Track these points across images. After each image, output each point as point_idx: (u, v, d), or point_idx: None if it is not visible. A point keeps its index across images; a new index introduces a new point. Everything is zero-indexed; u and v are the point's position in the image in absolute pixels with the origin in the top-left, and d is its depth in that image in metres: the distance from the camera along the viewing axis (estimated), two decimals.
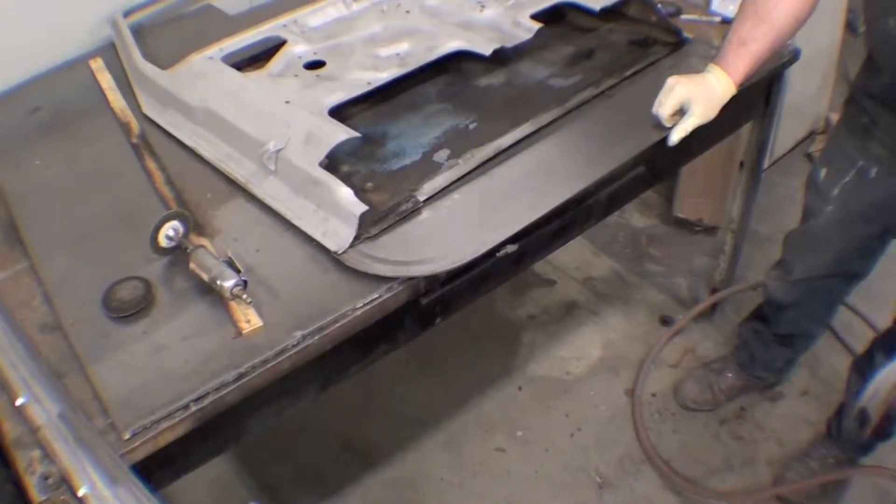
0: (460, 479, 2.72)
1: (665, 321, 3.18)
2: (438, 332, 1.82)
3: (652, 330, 3.16)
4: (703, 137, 2.22)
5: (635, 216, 3.62)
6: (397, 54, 2.11)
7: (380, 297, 1.61)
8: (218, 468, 2.67)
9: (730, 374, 2.84)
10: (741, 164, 2.69)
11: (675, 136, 1.93)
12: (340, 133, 1.78)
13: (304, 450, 2.78)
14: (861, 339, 2.77)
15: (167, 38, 2.40)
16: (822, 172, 2.22)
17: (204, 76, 2.06)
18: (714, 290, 3.10)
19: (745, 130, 2.55)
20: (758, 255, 3.11)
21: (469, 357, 3.05)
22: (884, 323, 2.54)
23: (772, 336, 2.66)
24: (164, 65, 2.17)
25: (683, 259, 3.42)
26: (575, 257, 3.43)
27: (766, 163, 3.03)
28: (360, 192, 1.71)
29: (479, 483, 2.71)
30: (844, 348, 2.96)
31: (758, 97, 2.38)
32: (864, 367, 2.38)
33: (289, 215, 1.76)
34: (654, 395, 2.93)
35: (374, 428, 2.85)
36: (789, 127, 3.51)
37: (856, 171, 2.12)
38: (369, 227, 1.69)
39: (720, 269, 3.02)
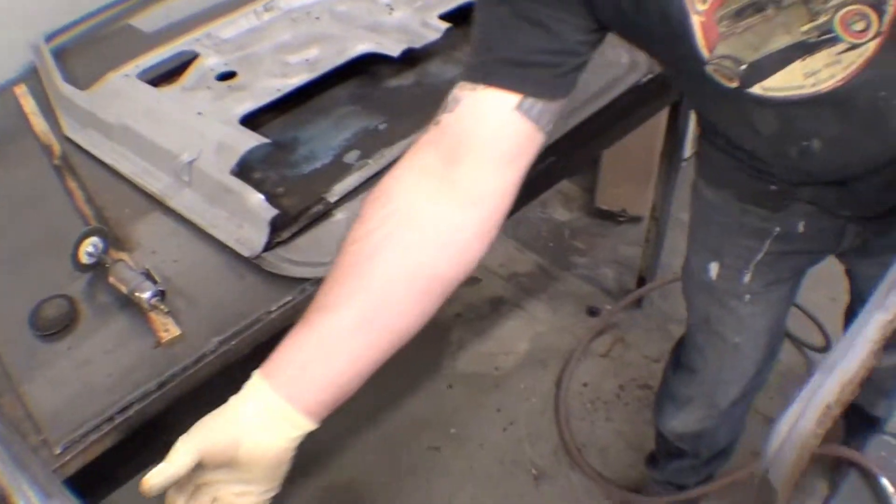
0: (397, 481, 2.74)
1: (592, 312, 3.21)
2: None
3: (580, 321, 3.19)
4: (616, 126, 2.26)
5: (558, 210, 3.65)
6: (307, 60, 2.14)
7: (293, 299, 1.63)
8: None
9: None
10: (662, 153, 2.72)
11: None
12: (251, 140, 1.82)
13: None
14: None
15: (88, 60, 2.41)
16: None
17: (120, 94, 2.09)
18: (641, 279, 3.15)
19: (663, 118, 2.58)
20: (682, 242, 3.15)
21: (396, 358, 3.02)
22: None
23: None
24: (83, 86, 2.19)
25: (608, 250, 3.46)
26: (499, 254, 3.45)
27: (689, 151, 3.09)
28: (271, 198, 1.74)
29: (416, 482, 2.74)
30: None
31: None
32: None
33: (204, 225, 1.78)
34: (585, 384, 2.97)
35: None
36: None
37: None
38: (281, 231, 1.72)
39: (645, 257, 3.06)
